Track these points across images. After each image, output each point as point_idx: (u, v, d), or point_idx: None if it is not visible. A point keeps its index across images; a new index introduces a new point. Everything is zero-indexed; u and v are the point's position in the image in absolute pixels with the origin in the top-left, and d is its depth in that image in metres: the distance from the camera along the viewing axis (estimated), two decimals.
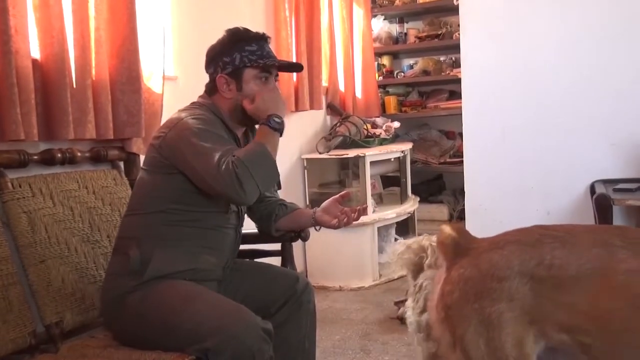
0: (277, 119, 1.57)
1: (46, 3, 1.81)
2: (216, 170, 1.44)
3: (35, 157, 1.79)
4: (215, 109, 1.65)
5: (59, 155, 1.84)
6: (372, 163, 3.47)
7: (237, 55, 1.63)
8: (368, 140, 3.69)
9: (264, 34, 1.68)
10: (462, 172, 2.52)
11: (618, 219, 2.20)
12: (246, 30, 1.67)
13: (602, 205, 1.87)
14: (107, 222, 1.87)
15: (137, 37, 2.09)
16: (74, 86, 1.91)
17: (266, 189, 1.61)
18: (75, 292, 1.71)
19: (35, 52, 1.83)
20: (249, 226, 1.89)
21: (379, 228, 3.50)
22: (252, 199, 1.49)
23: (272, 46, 1.73)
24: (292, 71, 1.79)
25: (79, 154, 1.91)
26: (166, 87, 2.26)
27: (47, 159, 1.82)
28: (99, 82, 2.01)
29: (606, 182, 2.17)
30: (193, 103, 1.69)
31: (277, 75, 1.71)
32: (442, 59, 4.21)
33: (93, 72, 2.00)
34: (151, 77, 2.22)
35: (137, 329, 1.50)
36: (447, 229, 1.24)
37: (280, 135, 1.59)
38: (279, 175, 1.57)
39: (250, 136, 1.76)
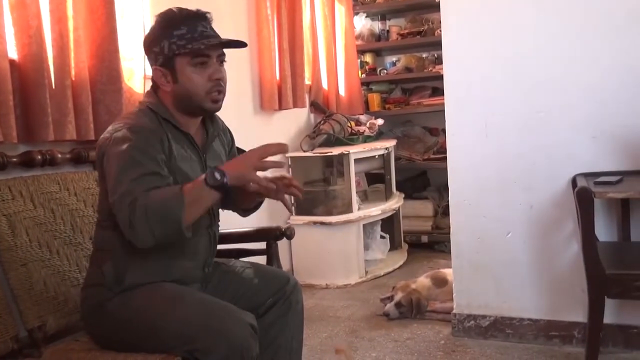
0: (217, 175, 1.36)
1: (23, 3, 1.78)
2: (117, 204, 1.37)
3: (15, 159, 1.77)
4: (161, 108, 1.52)
5: (39, 157, 1.81)
6: (356, 160, 3.48)
7: (165, 43, 1.47)
8: (352, 138, 3.70)
9: (198, 12, 1.50)
10: (446, 168, 2.53)
11: (599, 211, 2.22)
12: (179, 11, 1.50)
13: (584, 198, 1.88)
14: (89, 224, 1.85)
15: (116, 36, 2.07)
16: (53, 87, 1.89)
17: (166, 241, 1.39)
18: (57, 295, 1.69)
19: (13, 53, 1.80)
20: (234, 225, 1.89)
21: (364, 225, 3.51)
22: (144, 245, 1.36)
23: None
24: (233, 47, 1.53)
25: (59, 155, 1.88)
26: (147, 87, 2.24)
27: (27, 161, 1.79)
28: (78, 82, 1.99)
29: (587, 175, 2.19)
30: (140, 103, 1.58)
31: (222, 56, 1.53)
32: (424, 55, 4.23)
33: (72, 72, 1.97)
34: (132, 77, 2.20)
35: (121, 334, 1.47)
36: None
37: (223, 193, 1.38)
38: (182, 235, 1.38)
39: (209, 127, 1.63)
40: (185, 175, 1.51)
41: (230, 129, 1.79)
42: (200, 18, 1.51)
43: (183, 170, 1.51)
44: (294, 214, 1.73)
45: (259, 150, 1.42)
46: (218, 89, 1.52)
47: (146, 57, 1.56)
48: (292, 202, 3.53)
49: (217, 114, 1.67)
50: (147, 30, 1.56)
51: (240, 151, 1.82)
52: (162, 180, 1.42)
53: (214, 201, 1.42)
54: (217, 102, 1.54)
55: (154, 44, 1.50)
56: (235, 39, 1.54)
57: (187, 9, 1.52)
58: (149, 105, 1.54)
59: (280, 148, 1.44)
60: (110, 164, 1.43)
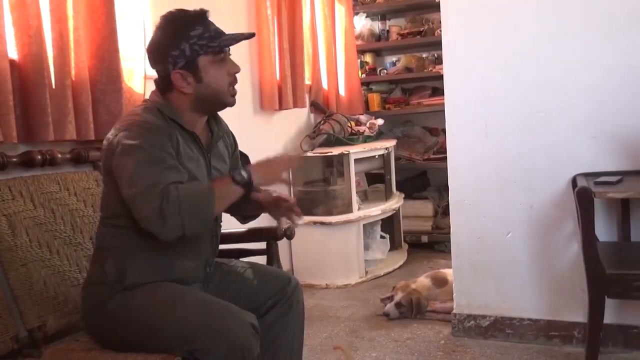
0: (243, 172, 1.45)
1: (23, 3, 1.78)
2: (141, 196, 1.35)
3: (15, 159, 1.77)
4: (169, 109, 1.52)
5: (39, 157, 1.81)
6: (356, 160, 3.48)
7: (185, 45, 1.47)
8: (352, 138, 3.70)
9: (202, 10, 1.52)
10: (446, 168, 2.53)
11: (599, 211, 2.22)
12: (184, 13, 1.52)
13: (584, 198, 1.88)
14: (89, 224, 1.85)
15: (116, 36, 2.07)
16: (53, 87, 1.89)
17: (191, 234, 1.41)
18: (57, 295, 1.69)
19: (13, 53, 1.80)
20: (234, 225, 1.89)
21: (364, 225, 3.51)
22: (171, 237, 1.36)
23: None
24: (244, 39, 1.57)
25: (59, 155, 1.88)
26: (147, 87, 2.24)
27: (27, 161, 1.79)
28: (78, 82, 1.99)
29: (587, 175, 2.19)
30: (145, 101, 1.58)
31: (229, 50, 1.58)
32: (424, 55, 4.23)
33: (72, 72, 1.97)
34: (132, 77, 2.20)
35: (121, 334, 1.47)
36: None
37: (247, 190, 1.47)
38: (208, 227, 1.47)
39: (214, 127, 1.65)
40: (191, 174, 1.51)
41: (231, 130, 1.80)
42: (206, 16, 1.53)
43: (189, 169, 1.51)
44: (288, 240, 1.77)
45: (286, 157, 1.60)
46: (235, 82, 1.58)
47: (158, 63, 1.52)
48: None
49: (220, 115, 1.69)
50: (154, 36, 1.52)
51: (243, 155, 1.85)
52: (182, 175, 1.44)
53: (238, 197, 1.48)
54: (234, 96, 1.60)
55: (171, 48, 1.48)
56: (246, 32, 1.58)
57: (188, 10, 1.53)
58: (155, 105, 1.54)
59: (301, 161, 1.62)
60: (125, 159, 1.41)
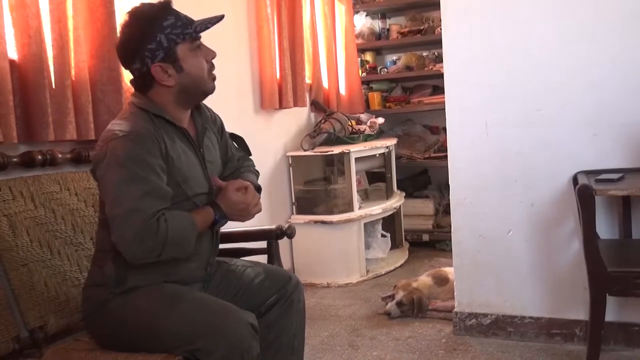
0: (223, 221, 1.55)
1: (23, 3, 1.78)
2: (121, 218, 1.38)
3: (15, 159, 1.76)
4: (152, 107, 1.50)
5: (39, 157, 1.81)
6: (357, 159, 3.48)
7: (161, 35, 1.44)
8: (353, 137, 3.70)
9: (166, 0, 1.50)
10: (447, 167, 2.53)
11: (600, 209, 2.22)
12: (150, 5, 1.49)
13: (585, 196, 1.88)
14: (90, 224, 1.85)
15: (116, 36, 2.06)
16: (53, 87, 1.88)
17: (159, 259, 1.44)
18: (58, 295, 1.69)
19: (13, 53, 1.80)
20: (234, 224, 1.88)
21: (365, 224, 3.51)
22: (139, 260, 1.41)
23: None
24: (216, 22, 1.55)
25: (59, 155, 1.88)
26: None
27: (27, 161, 1.79)
28: (78, 82, 1.98)
29: (588, 172, 2.19)
30: (129, 104, 1.54)
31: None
32: (424, 54, 4.23)
33: (72, 72, 1.97)
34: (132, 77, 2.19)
35: (122, 334, 1.47)
36: None
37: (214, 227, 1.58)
38: (187, 253, 1.49)
39: (198, 120, 1.62)
40: (184, 175, 1.51)
41: (231, 129, 1.79)
42: (172, 5, 1.51)
43: (181, 170, 1.51)
44: None
45: (253, 201, 1.60)
46: (213, 68, 1.56)
47: (135, 60, 1.47)
48: (294, 201, 3.54)
49: (205, 104, 1.67)
50: (124, 35, 1.48)
51: (237, 138, 1.82)
52: (166, 198, 1.44)
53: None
54: (214, 81, 1.57)
55: (147, 42, 1.45)
56: (214, 15, 1.56)
57: (153, 2, 1.50)
58: (138, 105, 1.51)
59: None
60: (108, 176, 1.42)
